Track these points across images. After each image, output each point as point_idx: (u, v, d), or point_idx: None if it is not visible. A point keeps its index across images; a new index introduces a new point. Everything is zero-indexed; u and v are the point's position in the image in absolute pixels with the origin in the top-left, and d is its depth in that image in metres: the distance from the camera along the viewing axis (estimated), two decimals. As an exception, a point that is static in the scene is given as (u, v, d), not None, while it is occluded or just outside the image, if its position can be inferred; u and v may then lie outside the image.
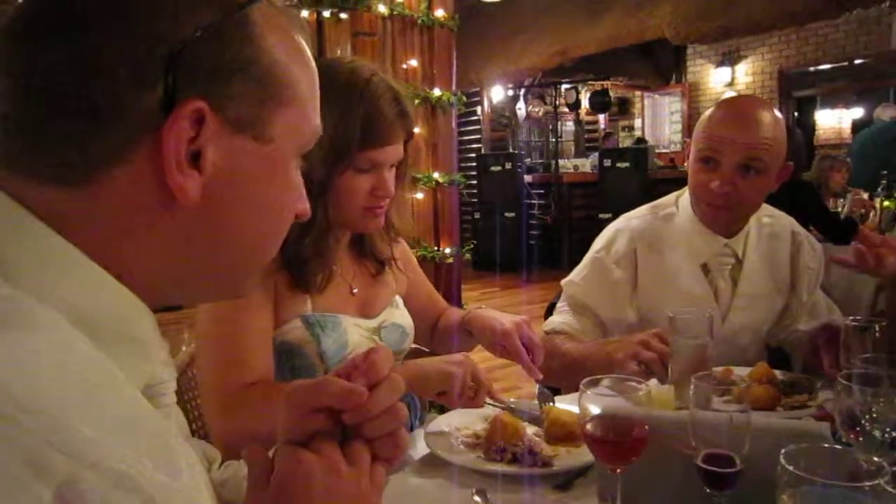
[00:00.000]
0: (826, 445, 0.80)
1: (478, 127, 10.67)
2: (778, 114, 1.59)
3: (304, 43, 0.62)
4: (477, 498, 0.97)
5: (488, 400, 1.25)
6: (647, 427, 0.87)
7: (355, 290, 1.37)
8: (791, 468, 0.65)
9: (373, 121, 1.22)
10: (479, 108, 10.55)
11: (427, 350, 1.62)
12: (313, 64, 0.63)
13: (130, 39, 0.51)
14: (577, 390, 0.94)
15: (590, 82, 10.62)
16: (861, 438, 0.87)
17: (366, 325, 1.34)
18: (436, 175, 3.28)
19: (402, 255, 1.52)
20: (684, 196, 1.72)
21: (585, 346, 1.56)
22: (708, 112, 1.62)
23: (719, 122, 1.56)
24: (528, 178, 9.21)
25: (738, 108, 1.60)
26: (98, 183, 0.52)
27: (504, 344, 1.33)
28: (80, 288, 0.51)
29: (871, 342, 1.17)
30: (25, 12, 0.53)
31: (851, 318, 1.24)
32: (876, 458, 0.72)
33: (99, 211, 0.52)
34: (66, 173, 0.52)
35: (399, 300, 1.47)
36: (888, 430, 0.86)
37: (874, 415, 0.87)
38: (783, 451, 0.66)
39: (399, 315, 1.43)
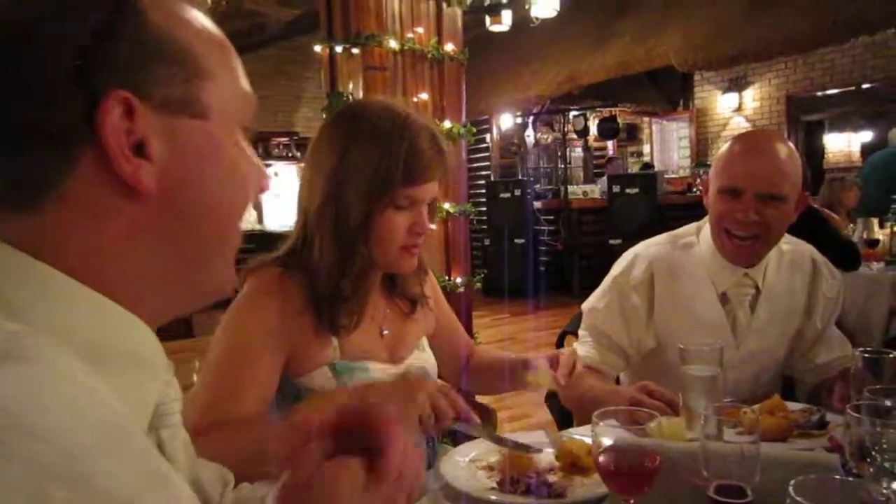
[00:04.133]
0: (836, 477, 0.81)
1: (487, 154, 10.75)
2: (791, 145, 1.63)
3: (197, 13, 0.61)
4: (491, 529, 0.98)
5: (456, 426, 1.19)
6: (658, 458, 0.89)
7: (385, 332, 1.37)
8: (800, 500, 0.66)
9: (414, 158, 1.22)
10: (488, 136, 10.63)
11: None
12: (216, 31, 0.62)
13: (35, 56, 0.51)
14: (589, 421, 0.95)
15: (598, 109, 10.70)
16: (871, 469, 0.88)
17: (393, 371, 1.34)
18: (446, 205, 3.30)
19: (431, 291, 1.52)
20: (705, 227, 1.74)
21: (599, 391, 1.54)
22: (725, 148, 1.66)
23: (738, 155, 1.61)
24: (537, 204, 9.25)
25: (754, 142, 1.65)
26: (54, 200, 0.52)
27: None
28: (80, 316, 0.52)
29: (882, 373, 1.18)
30: None
31: (861, 349, 1.24)
32: (885, 490, 0.74)
33: (67, 229, 0.53)
34: (17, 196, 0.52)
35: (425, 341, 1.47)
36: (899, 460, 0.86)
37: (884, 446, 0.88)
38: (792, 482, 0.67)
39: (424, 357, 1.44)
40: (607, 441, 0.92)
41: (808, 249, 1.79)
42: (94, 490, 0.41)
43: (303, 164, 1.35)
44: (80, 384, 0.47)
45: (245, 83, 0.64)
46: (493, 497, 1.09)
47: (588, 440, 1.17)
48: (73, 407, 0.45)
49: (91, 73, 0.52)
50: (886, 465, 0.87)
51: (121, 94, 0.52)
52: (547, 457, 1.21)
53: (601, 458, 0.91)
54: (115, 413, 0.49)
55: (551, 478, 1.13)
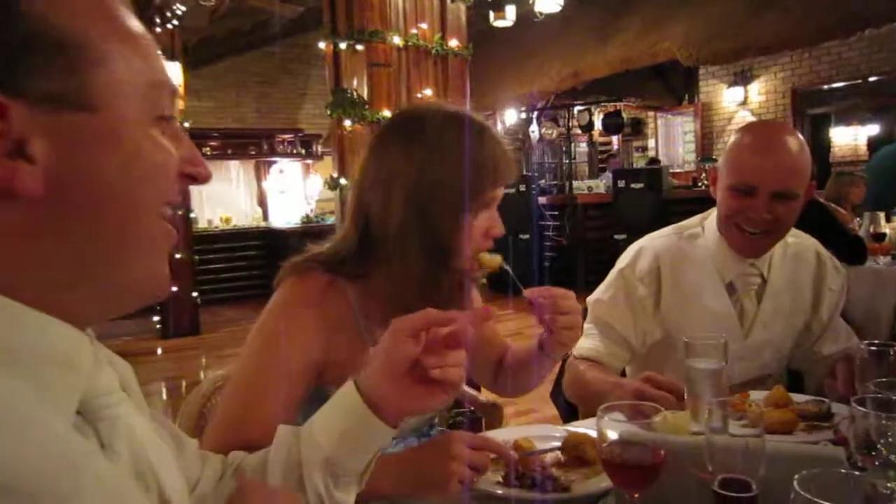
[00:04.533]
0: (841, 470, 0.81)
1: (491, 149, 10.73)
2: (800, 137, 1.62)
3: None
4: (497, 523, 0.99)
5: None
6: (663, 452, 0.89)
7: None
8: (804, 493, 0.66)
9: (498, 158, 1.22)
10: (492, 131, 10.62)
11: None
12: (119, 12, 0.58)
13: None
14: (594, 415, 0.96)
15: (602, 104, 10.69)
16: (877, 462, 0.88)
17: None
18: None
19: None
20: (710, 218, 1.74)
21: (603, 383, 1.55)
22: (734, 140, 1.64)
23: (750, 152, 1.58)
24: (541, 199, 9.24)
25: (765, 137, 1.61)
26: None
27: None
28: None
29: (887, 366, 1.18)
30: None
31: (867, 342, 1.24)
32: (889, 484, 0.74)
33: None
34: None
35: None
36: (905, 453, 0.86)
37: (890, 439, 0.88)
38: (797, 476, 0.68)
39: None
40: (612, 435, 0.92)
41: (812, 243, 1.79)
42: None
43: (358, 175, 1.28)
44: None
45: (156, 67, 0.60)
46: (499, 491, 1.09)
47: (593, 434, 1.18)
48: None
49: None
50: (892, 457, 0.87)
51: None
52: (552, 451, 1.22)
53: (606, 453, 0.91)
54: (18, 410, 0.50)
55: (556, 472, 1.14)
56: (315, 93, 11.21)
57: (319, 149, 11.01)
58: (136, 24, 0.60)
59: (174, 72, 6.81)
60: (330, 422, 0.86)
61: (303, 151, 10.97)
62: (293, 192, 11.01)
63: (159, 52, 0.62)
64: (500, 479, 1.13)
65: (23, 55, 0.51)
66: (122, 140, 0.56)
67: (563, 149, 10.84)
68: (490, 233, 1.25)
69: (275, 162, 10.92)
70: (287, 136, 10.87)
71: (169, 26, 6.83)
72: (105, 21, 0.57)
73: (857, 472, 0.81)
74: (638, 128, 11.55)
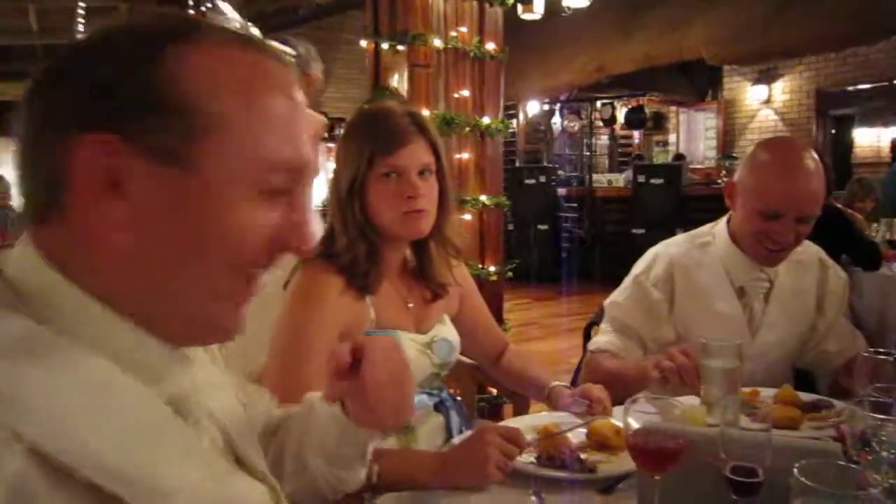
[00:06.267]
0: (838, 462, 0.93)
1: (512, 139, 10.78)
2: (815, 156, 1.72)
3: (259, 70, 0.62)
4: (534, 498, 1.12)
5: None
6: (682, 441, 1.01)
7: (410, 305, 1.53)
8: (803, 479, 0.78)
9: (385, 130, 1.40)
10: (514, 122, 10.66)
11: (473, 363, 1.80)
12: (266, 90, 0.62)
13: (64, 90, 0.58)
14: (616, 403, 1.08)
15: (625, 97, 10.69)
16: (870, 458, 0.99)
17: (420, 339, 1.51)
18: (483, 198, 3.45)
19: (462, 280, 1.67)
20: (720, 226, 1.86)
21: (624, 362, 1.73)
22: (756, 160, 1.74)
23: (775, 179, 1.68)
24: (561, 191, 9.30)
25: (788, 163, 1.69)
26: (62, 217, 0.58)
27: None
28: (99, 330, 0.59)
29: (886, 372, 1.29)
30: None
31: (872, 349, 1.36)
32: (876, 476, 0.86)
33: (73, 244, 0.59)
34: (42, 209, 0.60)
35: (447, 317, 1.62)
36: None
37: (883, 438, 1.00)
38: (796, 465, 0.80)
39: (447, 330, 1.59)
40: (636, 424, 1.04)
41: (815, 250, 1.91)
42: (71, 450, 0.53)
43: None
44: (83, 372, 0.57)
45: (286, 147, 0.63)
46: (533, 470, 1.22)
47: (614, 422, 1.31)
48: (69, 390, 0.55)
49: (95, 108, 0.57)
50: (884, 454, 0.99)
51: (101, 137, 0.56)
52: (578, 436, 1.35)
53: (631, 439, 1.04)
54: (112, 393, 0.58)
55: (583, 454, 1.27)
56: (338, 77, 11.23)
57: (342, 133, 11.09)
58: (282, 106, 0.63)
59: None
60: (323, 417, 0.93)
61: (325, 135, 11.05)
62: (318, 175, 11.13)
63: (304, 135, 0.66)
64: (533, 460, 1.26)
65: (143, 111, 0.58)
66: (209, 200, 0.60)
67: (585, 141, 10.87)
68: (405, 195, 1.39)
69: (298, 144, 11.02)
70: (310, 119, 10.96)
71: (202, 9, 6.94)
72: (243, 97, 0.61)
73: (852, 465, 0.93)
74: (660, 122, 11.54)
